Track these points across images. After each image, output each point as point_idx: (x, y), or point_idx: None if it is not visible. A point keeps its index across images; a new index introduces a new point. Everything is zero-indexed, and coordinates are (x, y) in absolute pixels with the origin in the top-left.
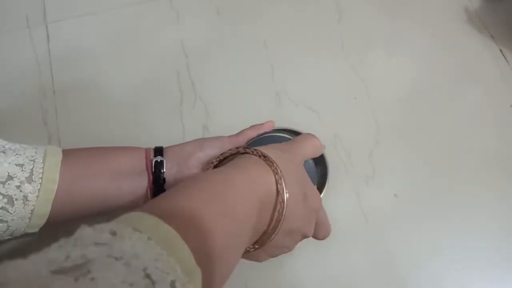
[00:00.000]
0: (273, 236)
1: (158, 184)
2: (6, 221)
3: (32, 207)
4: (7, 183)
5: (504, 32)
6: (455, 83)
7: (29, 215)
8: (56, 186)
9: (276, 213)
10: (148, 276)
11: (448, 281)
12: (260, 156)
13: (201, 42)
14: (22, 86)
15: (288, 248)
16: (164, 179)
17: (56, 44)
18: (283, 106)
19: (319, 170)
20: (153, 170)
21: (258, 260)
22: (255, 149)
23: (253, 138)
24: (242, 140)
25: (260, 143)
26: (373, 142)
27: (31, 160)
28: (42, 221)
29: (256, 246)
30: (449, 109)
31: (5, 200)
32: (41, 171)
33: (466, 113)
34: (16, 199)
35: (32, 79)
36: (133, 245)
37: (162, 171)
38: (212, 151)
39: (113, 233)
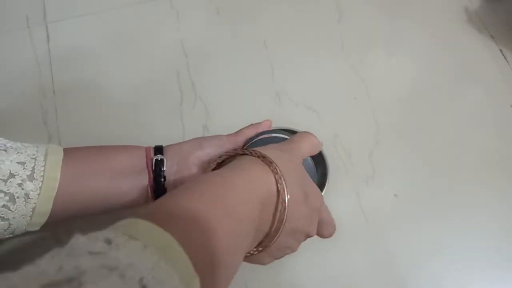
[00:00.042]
0: (276, 237)
1: (158, 182)
2: (8, 219)
3: (34, 205)
4: (8, 181)
5: (504, 32)
6: (455, 83)
7: (31, 213)
8: (57, 184)
9: (278, 213)
10: (144, 286)
11: (448, 281)
12: (259, 157)
13: (201, 42)
14: (22, 86)
15: (291, 249)
16: (164, 177)
17: (56, 44)
18: (283, 106)
19: (319, 170)
20: (153, 169)
21: (262, 262)
22: (253, 150)
23: (252, 138)
24: (241, 139)
25: (260, 144)
26: (373, 142)
27: (32, 158)
28: (43, 219)
29: (260, 249)
30: (449, 109)
31: (7, 198)
32: (43, 169)
33: (466, 113)
34: (17, 197)
35: (32, 79)
36: (129, 254)
37: (162, 169)
38: (211, 150)
39: (108, 242)
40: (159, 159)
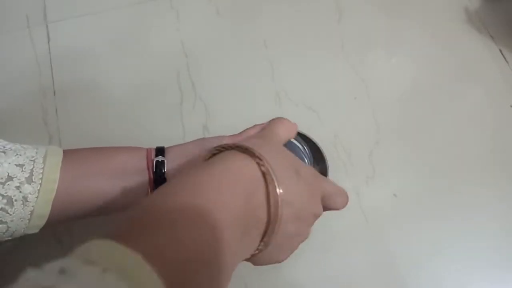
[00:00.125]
0: (277, 223)
1: (159, 184)
2: (6, 222)
3: (32, 208)
4: (6, 183)
5: (504, 32)
6: (455, 83)
7: (29, 216)
8: (56, 185)
9: (272, 198)
10: None
11: (448, 281)
12: (233, 148)
13: (201, 42)
14: (22, 86)
15: (302, 235)
16: (165, 178)
17: (56, 44)
18: (283, 106)
19: (319, 169)
20: (154, 170)
21: (277, 259)
22: (226, 143)
23: None
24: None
25: None
26: (373, 142)
27: (31, 160)
28: (42, 222)
29: (265, 239)
30: (449, 109)
31: (5, 201)
32: (41, 172)
33: (466, 113)
34: (15, 200)
35: (32, 79)
36: (84, 282)
37: (163, 171)
38: None
39: (62, 272)
40: (159, 160)
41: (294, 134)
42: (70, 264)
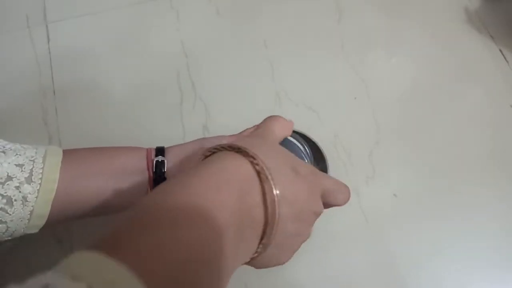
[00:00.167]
0: (275, 223)
1: (159, 184)
2: (5, 222)
3: (31, 207)
4: (6, 183)
5: (504, 32)
6: (455, 83)
7: (28, 215)
8: (56, 185)
9: (268, 197)
10: None
11: (448, 281)
12: (226, 148)
13: (201, 42)
14: (22, 86)
15: (303, 235)
16: (165, 178)
17: (56, 44)
18: (283, 106)
19: (319, 169)
20: (154, 170)
21: (279, 261)
22: (219, 144)
23: None
24: None
25: None
26: (373, 142)
27: (31, 160)
28: (41, 222)
29: (264, 241)
30: (449, 109)
31: (4, 201)
32: (41, 171)
33: (466, 113)
34: (15, 200)
35: (32, 79)
36: None
37: (163, 170)
38: None
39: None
40: (159, 160)
41: (290, 131)
42: (55, 280)
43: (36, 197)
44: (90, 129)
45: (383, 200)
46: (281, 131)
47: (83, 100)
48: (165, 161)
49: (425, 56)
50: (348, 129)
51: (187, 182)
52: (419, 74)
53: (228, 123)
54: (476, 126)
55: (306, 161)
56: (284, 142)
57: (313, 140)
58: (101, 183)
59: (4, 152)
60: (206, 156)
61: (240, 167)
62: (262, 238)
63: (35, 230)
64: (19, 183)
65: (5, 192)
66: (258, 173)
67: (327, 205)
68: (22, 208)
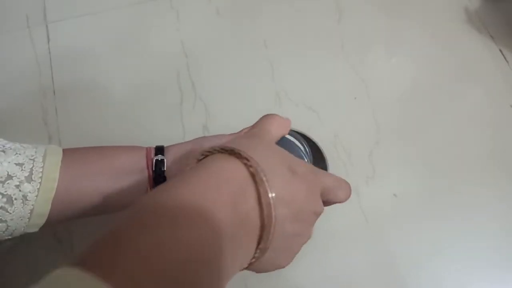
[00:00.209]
0: (272, 225)
1: (158, 183)
2: (5, 221)
3: (32, 206)
4: (6, 182)
5: (504, 32)
6: (455, 83)
7: (29, 214)
8: (56, 184)
9: (264, 200)
10: None
11: (448, 281)
12: (219, 151)
13: (201, 42)
14: (22, 86)
15: (304, 235)
16: (164, 177)
17: (56, 44)
18: (283, 106)
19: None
20: (154, 169)
21: (280, 264)
22: (212, 147)
23: None
24: None
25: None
26: (373, 142)
27: (30, 159)
28: (41, 221)
29: (261, 246)
30: (449, 109)
31: (4, 199)
32: (41, 170)
33: (466, 113)
34: (15, 199)
35: (32, 79)
36: None
37: (162, 169)
38: None
39: None
40: (159, 159)
41: (287, 129)
42: None
43: (36, 196)
44: (90, 129)
45: (383, 200)
46: (277, 130)
47: (83, 100)
48: (165, 160)
49: (425, 56)
50: (348, 129)
51: (186, 182)
52: (419, 74)
53: (228, 123)
54: (476, 126)
55: (306, 160)
56: (284, 142)
57: (313, 140)
58: (101, 182)
59: (4, 151)
60: (199, 160)
61: (234, 169)
62: (259, 243)
63: (35, 229)
64: (19, 182)
65: (5, 191)
66: (253, 175)
67: (328, 202)
68: (22, 207)
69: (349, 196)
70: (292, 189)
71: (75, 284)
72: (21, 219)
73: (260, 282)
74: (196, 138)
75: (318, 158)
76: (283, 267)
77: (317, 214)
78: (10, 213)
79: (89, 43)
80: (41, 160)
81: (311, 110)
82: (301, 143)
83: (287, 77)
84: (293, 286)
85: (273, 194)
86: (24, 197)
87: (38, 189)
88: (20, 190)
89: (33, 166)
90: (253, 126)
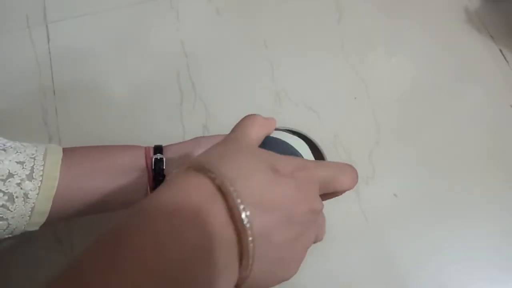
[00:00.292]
0: (248, 239)
1: (158, 182)
2: (7, 219)
3: (33, 204)
4: (7, 180)
5: (504, 32)
6: (455, 83)
7: (29, 212)
8: (56, 183)
9: (235, 212)
10: None
11: (448, 281)
12: (186, 169)
13: (201, 42)
14: (22, 86)
15: (306, 237)
16: (164, 176)
17: (56, 44)
18: (283, 106)
19: None
20: (153, 168)
21: (284, 276)
22: (182, 165)
23: None
24: None
25: (262, 146)
26: (373, 142)
27: (31, 157)
28: (42, 219)
29: (243, 262)
30: (449, 109)
31: (6, 197)
32: (42, 169)
33: (466, 113)
34: (16, 197)
35: (32, 79)
36: None
37: (162, 168)
38: None
39: None
40: (158, 158)
41: (271, 129)
42: None
43: (37, 194)
44: (90, 129)
45: (383, 200)
46: (258, 132)
47: (83, 100)
48: (164, 159)
49: (425, 56)
50: (348, 129)
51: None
52: (419, 74)
53: (228, 123)
54: (476, 126)
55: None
56: (275, 142)
57: (313, 140)
58: (101, 181)
59: (4, 149)
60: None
61: (197, 185)
62: (241, 259)
63: (36, 228)
64: (20, 180)
65: (7, 189)
66: (219, 188)
67: (335, 193)
68: (23, 205)
69: (356, 181)
70: (276, 192)
71: None
72: (22, 217)
73: None
74: (194, 138)
75: (318, 158)
76: (288, 279)
77: (316, 212)
78: (11, 211)
79: (89, 43)
80: (41, 159)
81: (311, 110)
82: (295, 140)
83: (287, 77)
84: (293, 286)
85: (244, 206)
86: (25, 195)
87: (39, 187)
88: (21, 188)
89: (34, 164)
90: (232, 130)
